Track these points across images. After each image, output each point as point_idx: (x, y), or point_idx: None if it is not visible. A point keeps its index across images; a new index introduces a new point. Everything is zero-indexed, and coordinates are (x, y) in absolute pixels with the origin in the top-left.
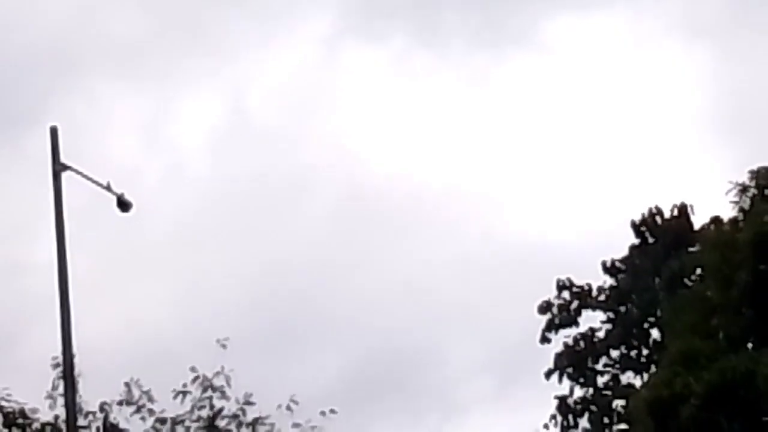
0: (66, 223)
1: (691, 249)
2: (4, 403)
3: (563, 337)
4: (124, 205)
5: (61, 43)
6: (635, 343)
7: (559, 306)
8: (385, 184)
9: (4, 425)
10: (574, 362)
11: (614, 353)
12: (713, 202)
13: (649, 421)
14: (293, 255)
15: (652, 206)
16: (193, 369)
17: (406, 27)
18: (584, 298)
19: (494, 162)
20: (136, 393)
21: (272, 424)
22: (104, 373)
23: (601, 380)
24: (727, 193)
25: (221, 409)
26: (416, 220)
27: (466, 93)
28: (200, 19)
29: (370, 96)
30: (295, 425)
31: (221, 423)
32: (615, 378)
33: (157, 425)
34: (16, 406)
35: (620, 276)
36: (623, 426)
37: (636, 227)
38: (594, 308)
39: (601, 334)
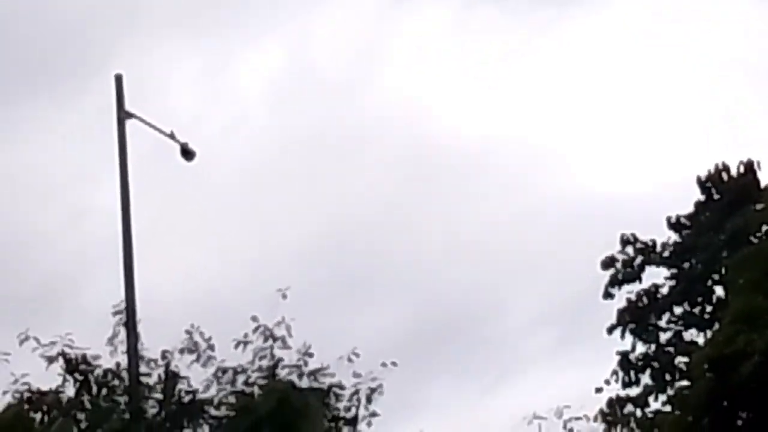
0: (130, 170)
1: (757, 206)
2: (67, 350)
3: (626, 293)
4: (187, 153)
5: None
6: (699, 300)
7: (623, 261)
8: (447, 137)
9: (67, 371)
10: (636, 318)
11: (677, 310)
12: None
13: (711, 378)
14: (355, 207)
15: (719, 162)
16: (254, 318)
17: None
18: (648, 253)
19: (559, 116)
20: (197, 341)
21: (332, 374)
22: (166, 321)
23: (663, 337)
24: None
25: (282, 359)
26: (479, 174)
27: (529, 47)
28: None
29: (432, 50)
30: (356, 375)
31: (282, 373)
32: (678, 335)
33: (219, 374)
34: (79, 353)
35: (685, 232)
36: (685, 383)
37: (702, 183)
38: (658, 264)
39: (664, 291)
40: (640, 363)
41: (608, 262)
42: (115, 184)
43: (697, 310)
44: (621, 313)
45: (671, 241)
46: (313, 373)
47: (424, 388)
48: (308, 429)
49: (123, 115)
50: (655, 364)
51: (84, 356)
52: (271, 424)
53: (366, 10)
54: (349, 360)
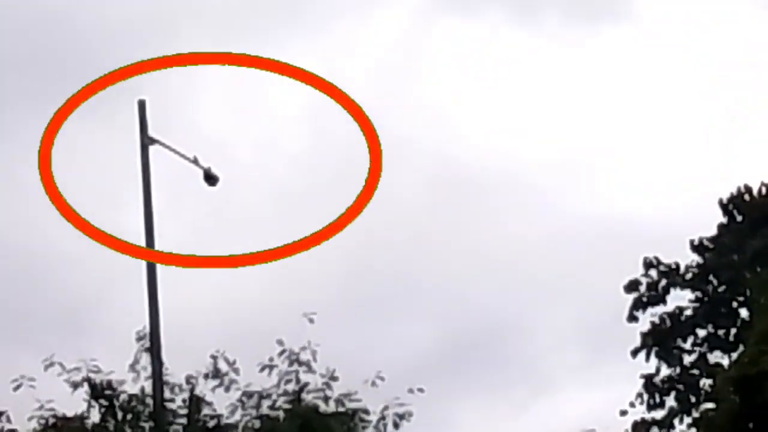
0: (156, 194)
1: None
2: (92, 375)
3: (650, 315)
4: (210, 178)
5: (156, 14)
6: (723, 322)
7: (648, 284)
8: (477, 157)
9: (92, 396)
10: (660, 341)
11: (701, 332)
12: None
13: (736, 399)
14: (384, 228)
15: (741, 185)
16: (279, 342)
17: (500, 2)
18: (672, 276)
19: (587, 137)
20: (222, 366)
21: (359, 399)
22: (190, 345)
23: (688, 359)
24: None
25: (307, 384)
26: (507, 194)
27: (559, 67)
28: None
29: (464, 70)
30: (384, 409)
31: (307, 397)
32: (702, 357)
33: (244, 398)
34: (104, 378)
35: (707, 255)
36: (710, 405)
37: (724, 206)
38: (682, 287)
39: (688, 313)
40: (665, 385)
41: (632, 286)
42: (140, 208)
43: (721, 332)
44: (645, 336)
45: (694, 264)
46: (339, 398)
47: (452, 410)
48: None
49: (146, 141)
50: (680, 387)
51: (109, 382)
52: None
53: (399, 32)
54: (374, 384)
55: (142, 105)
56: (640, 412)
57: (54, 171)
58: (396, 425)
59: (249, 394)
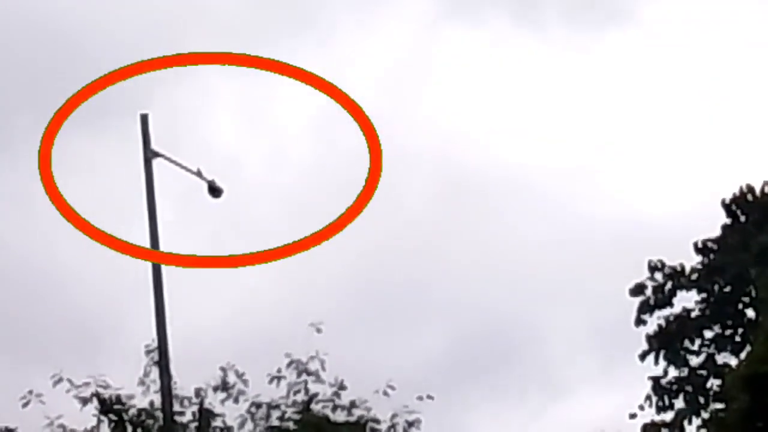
0: (165, 207)
1: None
2: (101, 390)
3: (657, 318)
4: (215, 191)
5: (163, 27)
6: (729, 322)
7: (654, 287)
8: (485, 163)
9: (101, 411)
10: (667, 343)
11: (708, 333)
12: None
13: (746, 398)
14: (394, 236)
15: (743, 184)
16: (287, 354)
17: (505, 9)
18: (678, 278)
19: (592, 141)
20: (231, 378)
21: (368, 408)
22: (199, 358)
23: (696, 361)
24: None
25: (316, 394)
26: (516, 199)
27: (563, 72)
28: (298, 1)
29: (469, 76)
30: (393, 416)
31: (316, 407)
32: (710, 358)
33: (253, 410)
34: (113, 393)
35: (712, 256)
36: (719, 405)
37: (727, 206)
38: (688, 288)
39: (695, 314)
40: (673, 387)
41: (637, 289)
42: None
43: (728, 332)
44: (651, 338)
45: (699, 266)
46: (349, 407)
47: (465, 417)
48: None
49: (149, 155)
50: (689, 388)
51: (118, 396)
52: None
53: (403, 41)
54: (385, 394)
55: (144, 119)
56: (650, 415)
57: (61, 184)
58: None
59: (258, 405)
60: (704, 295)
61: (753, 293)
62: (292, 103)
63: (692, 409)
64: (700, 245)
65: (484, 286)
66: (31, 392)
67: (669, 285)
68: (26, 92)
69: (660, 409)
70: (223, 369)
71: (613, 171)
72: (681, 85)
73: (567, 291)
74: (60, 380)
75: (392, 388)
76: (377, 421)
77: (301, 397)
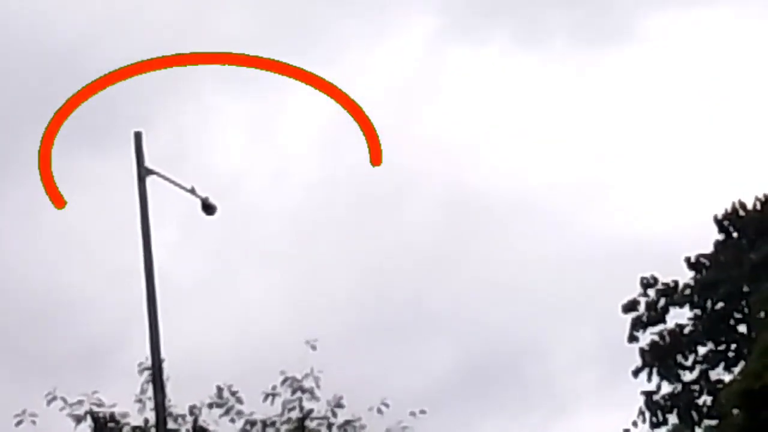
0: (168, 227)
1: None
2: (95, 408)
3: (650, 335)
4: (208, 208)
5: (166, 45)
6: (722, 338)
7: (647, 304)
8: (488, 182)
9: (95, 430)
10: (659, 359)
11: (702, 350)
12: None
13: (740, 414)
14: (395, 256)
15: (736, 201)
16: (282, 372)
17: (508, 27)
18: (671, 295)
19: (597, 159)
20: (226, 395)
21: (363, 426)
22: (193, 376)
23: (689, 376)
24: None
25: (311, 411)
26: (519, 217)
27: (567, 90)
28: (305, 19)
29: (474, 95)
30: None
31: (311, 425)
32: (704, 374)
33: (247, 427)
34: (107, 411)
35: (705, 272)
36: (712, 422)
37: (719, 222)
38: (681, 305)
39: (688, 330)
40: (666, 403)
41: (630, 306)
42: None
43: (721, 348)
44: (644, 353)
45: (692, 281)
46: (344, 426)
47: None
48: None
49: (143, 173)
50: (682, 404)
51: (112, 414)
52: None
53: (407, 60)
54: (379, 411)
55: (138, 137)
56: (643, 431)
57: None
58: None
59: (252, 422)
60: (697, 311)
61: (746, 309)
62: (297, 120)
63: (685, 424)
64: (693, 261)
65: (491, 304)
66: (24, 411)
67: (662, 301)
68: (29, 111)
69: (653, 425)
70: (219, 388)
71: (621, 188)
72: (676, 102)
73: (573, 309)
74: (54, 398)
75: (386, 405)
76: None
77: (295, 414)
